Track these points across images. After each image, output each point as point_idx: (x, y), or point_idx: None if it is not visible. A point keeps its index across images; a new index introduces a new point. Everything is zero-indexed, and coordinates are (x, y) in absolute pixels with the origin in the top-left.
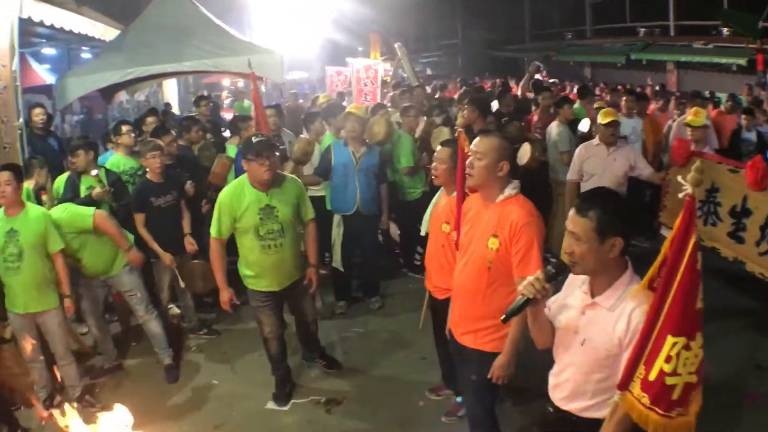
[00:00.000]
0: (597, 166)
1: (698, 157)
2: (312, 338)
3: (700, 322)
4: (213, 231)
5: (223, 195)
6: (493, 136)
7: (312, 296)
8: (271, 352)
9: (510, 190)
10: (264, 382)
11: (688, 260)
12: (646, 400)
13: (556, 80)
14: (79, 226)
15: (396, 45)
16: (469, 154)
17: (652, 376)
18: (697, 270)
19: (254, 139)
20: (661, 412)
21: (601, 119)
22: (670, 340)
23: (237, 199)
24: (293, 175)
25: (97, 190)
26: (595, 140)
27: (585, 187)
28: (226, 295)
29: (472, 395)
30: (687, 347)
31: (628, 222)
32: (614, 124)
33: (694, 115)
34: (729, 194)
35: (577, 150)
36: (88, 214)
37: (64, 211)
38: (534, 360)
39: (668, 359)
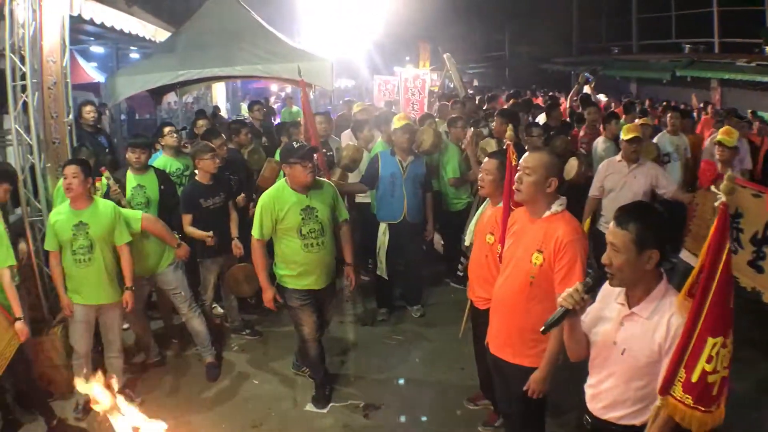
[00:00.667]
0: (617, 182)
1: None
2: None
3: (732, 319)
4: (255, 233)
5: (265, 197)
6: (543, 152)
7: (331, 303)
8: (311, 354)
9: (557, 206)
10: (304, 384)
11: (723, 265)
12: (689, 400)
13: (603, 95)
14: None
15: (444, 55)
16: (518, 168)
17: (694, 378)
18: (730, 273)
19: (296, 144)
20: (703, 409)
21: (624, 135)
22: (710, 341)
23: (278, 201)
24: (329, 181)
25: (115, 188)
26: (618, 156)
27: (604, 203)
28: (270, 294)
29: (515, 409)
30: (724, 345)
31: (664, 235)
32: (636, 141)
33: (726, 134)
34: (752, 220)
35: (600, 166)
36: (137, 217)
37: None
38: (567, 372)
39: (709, 359)
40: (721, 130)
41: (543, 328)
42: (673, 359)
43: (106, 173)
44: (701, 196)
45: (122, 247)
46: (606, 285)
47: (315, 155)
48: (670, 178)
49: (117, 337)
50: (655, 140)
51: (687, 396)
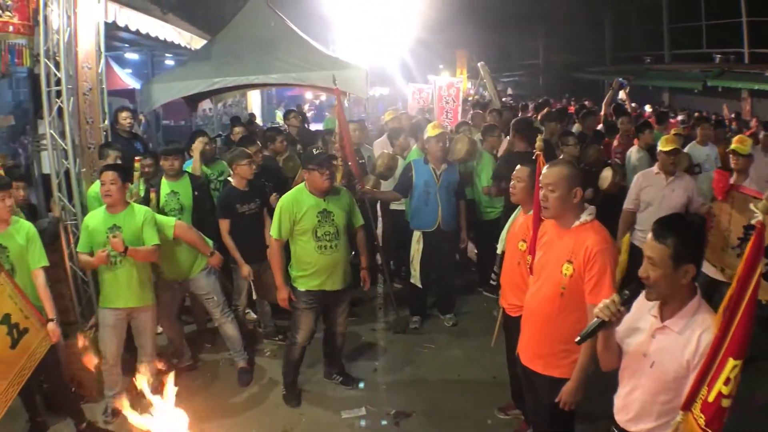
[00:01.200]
0: (654, 195)
1: (736, 191)
2: (336, 353)
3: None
4: (273, 232)
5: (284, 199)
6: (562, 165)
7: (347, 310)
8: (294, 357)
9: (586, 216)
10: (335, 391)
11: (754, 286)
12: (702, 421)
13: (648, 106)
14: (160, 235)
15: (479, 64)
16: (540, 186)
17: (711, 398)
18: (757, 294)
19: (315, 151)
20: None
21: (662, 146)
22: (731, 362)
23: (297, 203)
24: (342, 187)
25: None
26: (655, 168)
27: (641, 217)
28: (284, 293)
29: (545, 420)
30: (741, 368)
31: (701, 250)
32: (675, 152)
33: (739, 142)
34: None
35: (635, 178)
36: (170, 224)
37: None
38: (597, 382)
39: (727, 381)
40: (735, 138)
41: (578, 338)
42: (698, 376)
43: (186, 178)
44: (717, 207)
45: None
46: (642, 296)
47: (350, 163)
48: (699, 194)
49: (149, 341)
50: (685, 150)
51: (701, 415)
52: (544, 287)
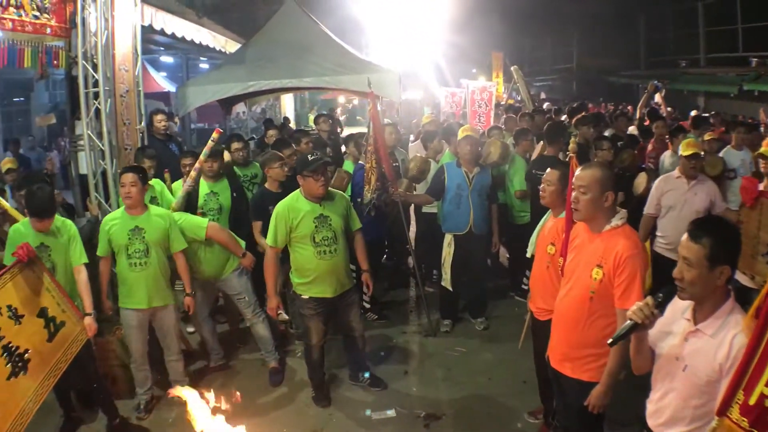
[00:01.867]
0: (676, 200)
1: (766, 197)
2: (360, 356)
3: None
4: (269, 240)
5: (280, 207)
6: (595, 167)
7: (359, 311)
8: (313, 358)
9: (617, 221)
10: (367, 392)
11: None
12: (745, 423)
13: (672, 109)
14: (192, 235)
15: (512, 68)
16: (572, 187)
17: (752, 401)
18: None
19: (310, 158)
20: None
21: (683, 151)
22: None
23: (293, 210)
24: (341, 192)
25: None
26: (676, 172)
27: (661, 223)
28: (274, 302)
29: (574, 423)
30: None
31: (736, 251)
32: (695, 157)
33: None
34: None
35: (656, 182)
36: (202, 225)
37: (180, 219)
38: (627, 385)
39: None
40: (765, 141)
41: (611, 341)
42: (732, 380)
43: (167, 175)
44: (745, 214)
45: (178, 255)
46: (675, 299)
47: (383, 166)
48: (723, 203)
49: (174, 341)
50: (720, 155)
51: (743, 419)
52: (573, 290)
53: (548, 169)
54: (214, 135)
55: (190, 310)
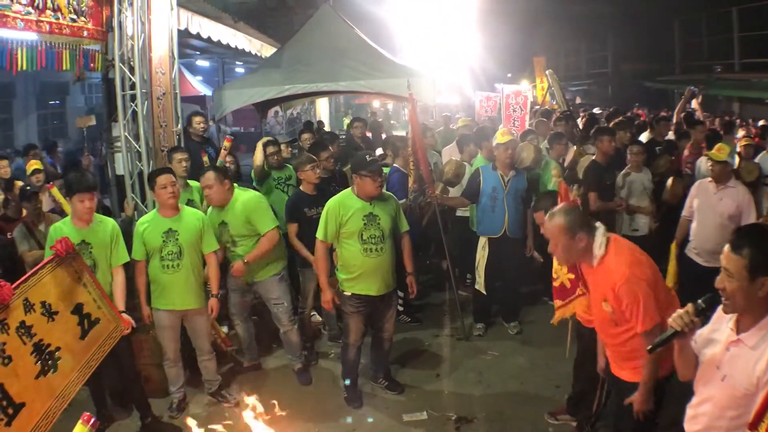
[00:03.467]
0: (702, 204)
1: None
2: (383, 357)
3: None
4: (320, 235)
5: (331, 203)
6: (557, 215)
7: (395, 314)
8: (349, 357)
9: (597, 250)
10: (399, 394)
11: None
12: None
13: (709, 113)
14: (257, 224)
15: (547, 72)
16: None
17: None
18: None
19: (368, 158)
20: None
21: (713, 156)
22: None
23: (344, 206)
24: (388, 192)
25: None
26: (709, 177)
27: (692, 226)
28: (328, 295)
29: (628, 427)
30: None
31: None
32: (716, 161)
33: None
34: None
35: (692, 187)
36: (271, 223)
37: (258, 203)
38: (671, 389)
39: None
40: None
41: (650, 347)
42: (766, 394)
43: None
44: None
45: (210, 255)
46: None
47: (421, 168)
48: (753, 210)
49: (206, 342)
50: (756, 160)
51: None
52: (599, 318)
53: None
54: (226, 144)
55: (214, 312)
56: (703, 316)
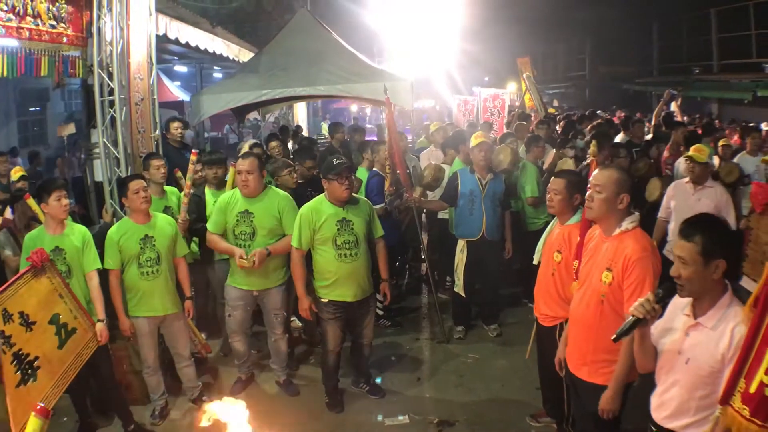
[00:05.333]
0: (680, 204)
1: None
2: (363, 362)
3: None
4: (294, 242)
5: (304, 209)
6: (613, 169)
7: (374, 319)
8: (329, 365)
9: (628, 224)
10: (381, 399)
11: None
12: (746, 412)
13: (688, 117)
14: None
15: (524, 75)
16: (588, 186)
17: (752, 389)
18: None
19: (335, 161)
20: (759, 423)
21: (695, 157)
22: None
23: (317, 212)
24: (361, 197)
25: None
26: (686, 178)
27: (670, 227)
28: (306, 303)
29: (590, 427)
30: None
31: (729, 245)
32: (691, 160)
33: None
34: None
35: (669, 187)
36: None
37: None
38: (643, 389)
39: None
40: None
41: (614, 336)
42: (734, 369)
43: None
44: (755, 220)
45: (180, 259)
46: (675, 297)
47: (398, 171)
48: (732, 209)
49: (185, 348)
50: (735, 160)
51: (744, 407)
52: (587, 294)
53: (553, 178)
54: (193, 158)
55: (190, 313)
56: (663, 303)
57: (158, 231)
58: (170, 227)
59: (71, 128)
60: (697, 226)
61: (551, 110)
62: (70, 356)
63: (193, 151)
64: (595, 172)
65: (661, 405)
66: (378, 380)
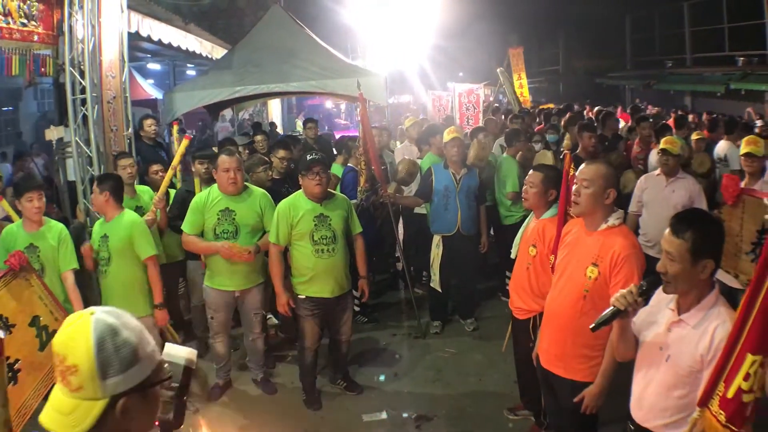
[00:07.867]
0: (654, 196)
1: (748, 195)
2: (341, 359)
3: None
4: (272, 238)
5: (282, 205)
6: (600, 163)
7: (352, 316)
8: (306, 362)
9: (614, 220)
10: (358, 395)
11: None
12: (722, 417)
13: (659, 109)
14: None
15: (498, 70)
16: (575, 181)
17: (730, 394)
18: None
19: (308, 157)
20: (735, 429)
21: (669, 149)
22: (749, 358)
23: (294, 207)
24: (339, 194)
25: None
26: (657, 171)
27: (642, 220)
28: (284, 298)
29: (566, 423)
30: (762, 365)
31: (719, 245)
32: (665, 152)
33: (753, 144)
34: None
35: (638, 180)
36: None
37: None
38: (620, 383)
39: (747, 377)
40: (745, 140)
41: (593, 325)
42: (714, 371)
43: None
44: (727, 212)
45: (147, 261)
46: (660, 289)
47: (373, 168)
48: (704, 200)
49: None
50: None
51: (721, 412)
52: (566, 288)
53: (531, 171)
54: (185, 141)
55: (164, 322)
56: (645, 296)
57: (114, 230)
58: (127, 228)
59: (60, 131)
60: (688, 221)
61: (549, 105)
62: (51, 358)
63: (186, 135)
64: (582, 166)
65: (639, 402)
66: (355, 376)
